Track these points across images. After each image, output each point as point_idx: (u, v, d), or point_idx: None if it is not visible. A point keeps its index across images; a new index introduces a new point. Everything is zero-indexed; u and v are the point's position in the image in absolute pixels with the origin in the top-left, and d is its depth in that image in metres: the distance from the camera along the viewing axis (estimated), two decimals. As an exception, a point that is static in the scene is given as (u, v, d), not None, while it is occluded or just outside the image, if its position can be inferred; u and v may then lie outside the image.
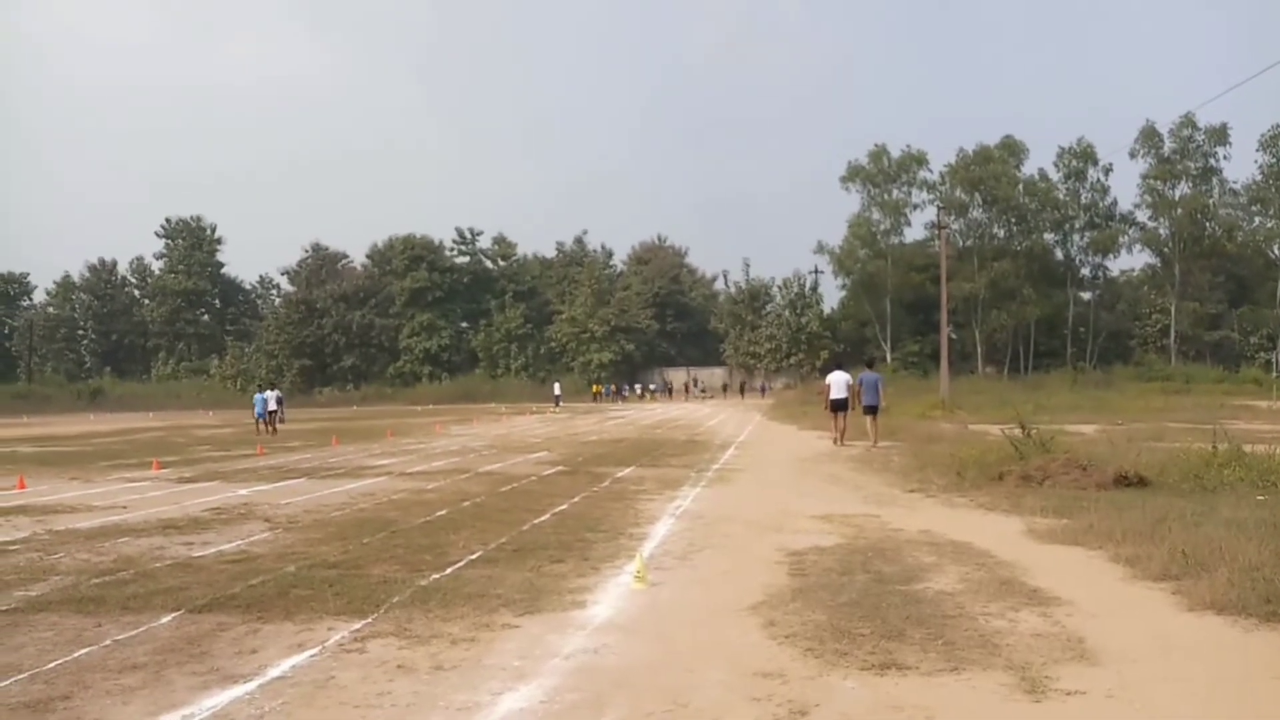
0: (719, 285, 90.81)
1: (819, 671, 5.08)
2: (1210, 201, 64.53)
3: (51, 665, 5.42)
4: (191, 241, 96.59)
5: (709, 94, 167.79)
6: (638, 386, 77.00)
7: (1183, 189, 64.69)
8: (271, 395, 33.12)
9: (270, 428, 32.06)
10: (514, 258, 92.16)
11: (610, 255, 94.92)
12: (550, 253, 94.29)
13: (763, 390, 71.07)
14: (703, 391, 75.36)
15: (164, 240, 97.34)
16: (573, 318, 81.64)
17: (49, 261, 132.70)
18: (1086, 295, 71.44)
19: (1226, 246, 65.04)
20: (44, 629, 6.22)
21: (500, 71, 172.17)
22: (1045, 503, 10.81)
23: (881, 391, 22.00)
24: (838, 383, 22.06)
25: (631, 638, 5.86)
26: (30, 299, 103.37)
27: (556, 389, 62.34)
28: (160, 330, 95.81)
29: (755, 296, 79.50)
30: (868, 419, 21.27)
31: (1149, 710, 4.50)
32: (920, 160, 68.71)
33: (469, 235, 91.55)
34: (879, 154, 69.22)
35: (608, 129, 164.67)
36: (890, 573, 7.48)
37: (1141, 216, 67.29)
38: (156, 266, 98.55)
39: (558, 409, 54.09)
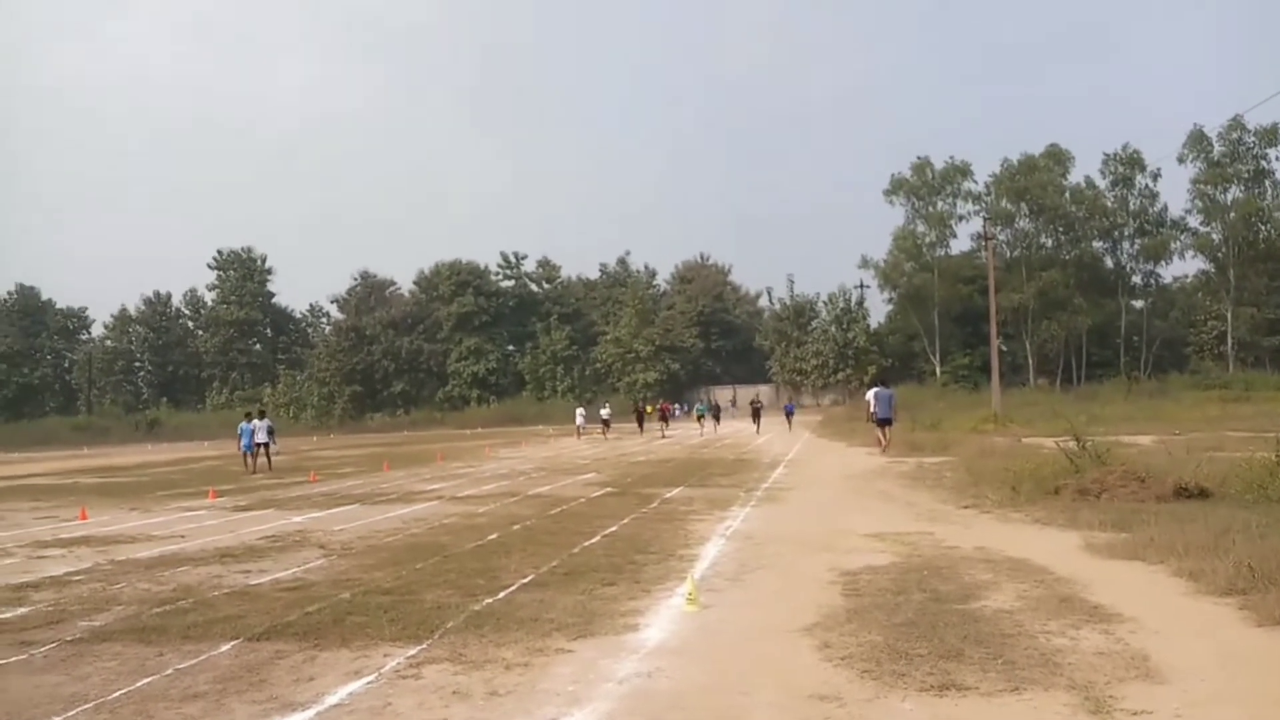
0: (763, 302, 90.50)
1: (876, 693, 5.02)
2: (1264, 204, 63.17)
3: (116, 695, 5.53)
4: (243, 272, 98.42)
5: (749, 110, 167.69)
6: (677, 407, 64.29)
7: (1234, 193, 63.43)
8: (261, 425, 27.93)
9: (253, 462, 27.12)
10: (558, 280, 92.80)
11: (653, 275, 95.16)
12: (594, 274, 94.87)
13: (755, 414, 45.49)
14: (704, 412, 49.01)
15: (216, 272, 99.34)
16: (617, 338, 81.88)
17: (106, 296, 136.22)
18: (1139, 303, 70.10)
19: (1282, 249, 63.62)
20: (108, 659, 6.35)
21: (543, 95, 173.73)
22: (1103, 516, 10.60)
23: (894, 405, 25.67)
24: (876, 397, 25.32)
25: (684, 660, 5.83)
26: (89, 333, 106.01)
27: (604, 412, 49.65)
28: (214, 360, 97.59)
29: (800, 313, 79.12)
30: (883, 428, 24.51)
31: (1219, 730, 4.38)
32: (964, 171, 68.08)
33: (514, 259, 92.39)
34: (922, 166, 68.72)
35: (648, 149, 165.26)
36: (946, 591, 7.38)
37: (1193, 222, 66.05)
38: (209, 298, 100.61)
39: (607, 432, 46.15)
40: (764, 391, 71.69)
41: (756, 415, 44.91)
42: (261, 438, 27.51)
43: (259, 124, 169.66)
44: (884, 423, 24.55)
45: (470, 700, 5.19)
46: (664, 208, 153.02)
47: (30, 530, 14.60)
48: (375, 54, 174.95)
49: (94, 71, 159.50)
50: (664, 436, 41.54)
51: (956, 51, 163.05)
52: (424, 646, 6.29)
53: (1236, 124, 61.36)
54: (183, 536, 12.89)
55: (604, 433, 45.37)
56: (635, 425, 47.91)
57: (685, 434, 42.98)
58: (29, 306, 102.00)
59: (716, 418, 46.99)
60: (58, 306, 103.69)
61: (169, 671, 5.95)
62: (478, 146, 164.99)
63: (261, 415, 29.37)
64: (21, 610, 8.12)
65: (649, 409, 53.39)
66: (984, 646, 5.73)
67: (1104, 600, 6.87)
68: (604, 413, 48.17)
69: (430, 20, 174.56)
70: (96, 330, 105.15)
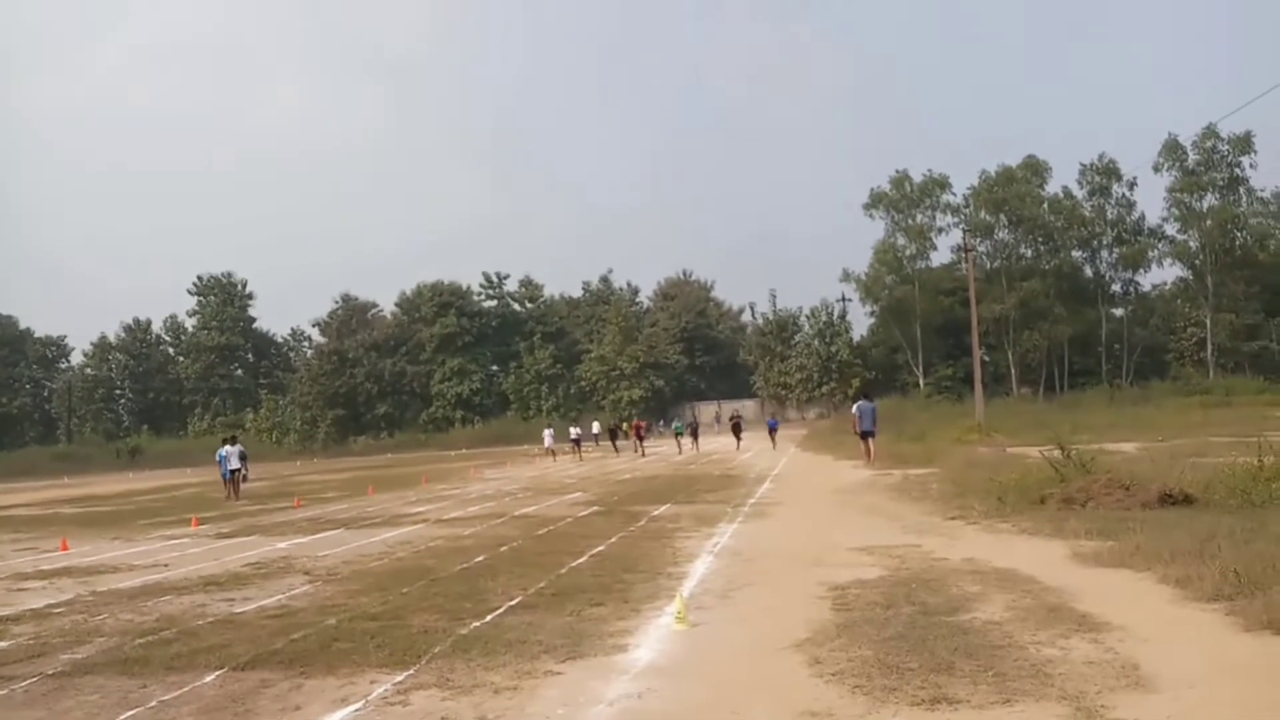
0: (746, 317, 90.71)
1: (868, 709, 5.00)
2: (1239, 211, 63.87)
3: (98, 729, 5.45)
4: (223, 297, 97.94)
5: (730, 128, 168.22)
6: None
7: (1210, 200, 64.08)
8: (233, 451, 26.81)
9: (232, 489, 26.43)
10: (541, 299, 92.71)
11: (636, 292, 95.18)
12: (577, 292, 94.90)
13: (736, 430, 43.29)
14: (683, 430, 44.40)
15: (196, 297, 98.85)
16: (601, 356, 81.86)
17: (85, 324, 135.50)
18: (1119, 311, 70.61)
19: (1259, 256, 64.20)
20: (90, 692, 6.26)
21: (523, 113, 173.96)
22: (1089, 525, 10.63)
23: (876, 417, 25.64)
24: (859, 411, 25.80)
25: (675, 680, 5.80)
26: (68, 361, 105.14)
27: (574, 431, 45.13)
28: (195, 386, 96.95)
29: (783, 327, 79.34)
30: (866, 441, 24.80)
31: (1211, 738, 4.38)
32: (943, 184, 68.52)
33: (496, 279, 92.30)
34: (901, 180, 69.13)
35: (629, 167, 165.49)
36: (935, 604, 7.38)
37: (1170, 230, 66.65)
38: (190, 324, 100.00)
39: (579, 454, 42.37)
40: (749, 407, 71.49)
41: (737, 431, 42.99)
42: (234, 464, 26.57)
43: (239, 149, 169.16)
44: (865, 435, 24.94)
45: (459, 726, 5.15)
46: (645, 225, 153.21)
47: (10, 562, 14.42)
48: (360, 81, 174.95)
49: (72, 97, 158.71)
50: (642, 456, 39.64)
51: (936, 65, 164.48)
52: (411, 672, 6.23)
53: (1210, 132, 62.09)
54: (166, 565, 12.76)
55: (575, 454, 41.85)
56: (611, 445, 46.09)
57: (665, 452, 42.21)
58: (7, 335, 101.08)
59: (695, 435, 43.13)
60: (36, 335, 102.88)
61: (152, 704, 5.87)
62: (460, 169, 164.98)
63: (233, 441, 28.03)
64: (1, 644, 8.00)
65: (624, 426, 50.22)
66: (974, 659, 5.73)
67: (1092, 609, 6.88)
68: (574, 432, 44.28)
69: (418, 49, 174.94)
70: (76, 358, 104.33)
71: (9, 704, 6.13)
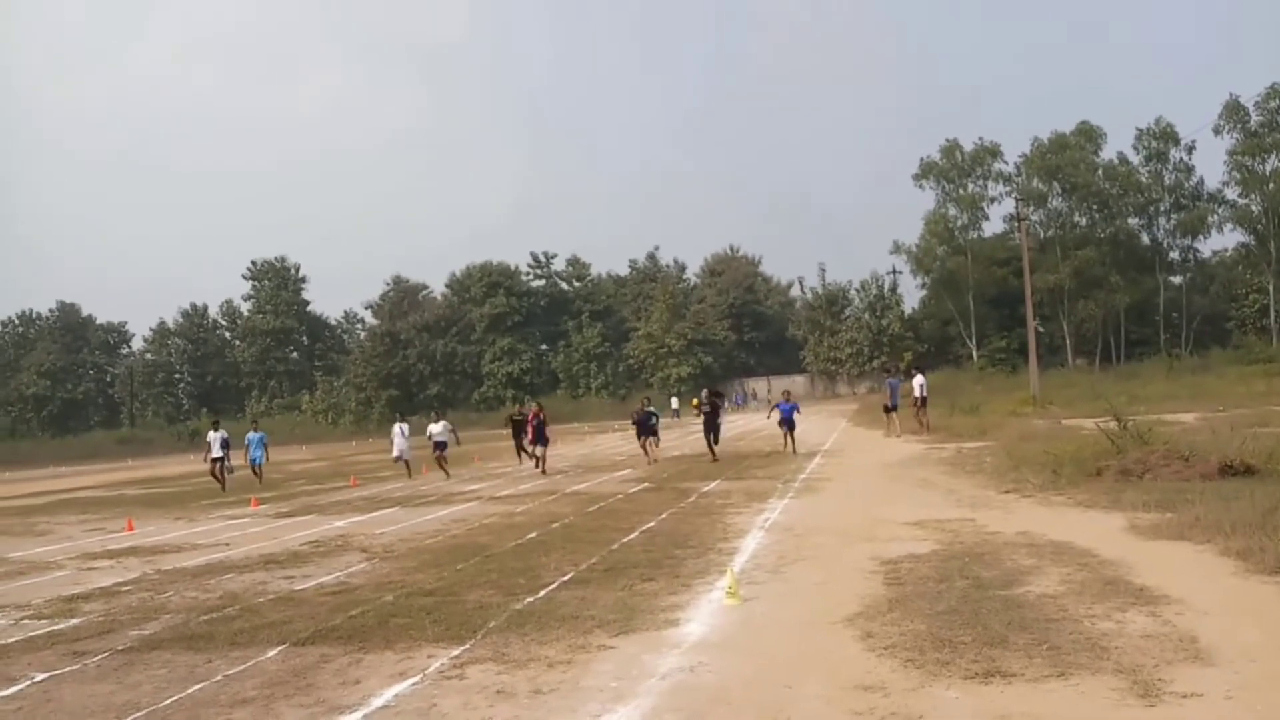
0: (795, 292, 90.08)
1: (921, 682, 4.99)
2: (1305, 173, 61.90)
3: (167, 702, 5.62)
4: (277, 282, 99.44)
5: (772, 100, 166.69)
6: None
7: (1274, 162, 62.12)
8: (216, 437, 24.54)
9: (220, 478, 24.38)
10: (589, 278, 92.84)
11: (683, 269, 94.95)
12: (624, 270, 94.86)
13: (708, 422, 24.21)
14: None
15: (251, 282, 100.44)
16: (649, 334, 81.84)
17: (145, 310, 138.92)
18: (1177, 279, 69.00)
19: (1325, 219, 62.28)
20: (158, 666, 6.45)
21: (565, 94, 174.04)
22: (1147, 497, 10.48)
23: (899, 394, 28.02)
24: (889, 387, 28.83)
25: (727, 654, 5.83)
26: (129, 347, 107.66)
27: (436, 429, 26.25)
28: (252, 369, 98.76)
29: (833, 301, 78.69)
30: (889, 415, 27.22)
31: (1272, 711, 4.31)
32: (994, 152, 67.32)
33: (544, 258, 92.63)
34: (951, 149, 68.04)
35: (672, 143, 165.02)
36: (989, 577, 7.32)
37: (1231, 194, 64.82)
38: (245, 308, 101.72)
39: (443, 462, 25.05)
40: (798, 382, 70.38)
41: (710, 424, 24.11)
42: (216, 452, 24.42)
43: (290, 137, 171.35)
44: (889, 410, 27.34)
45: (514, 699, 5.23)
46: (692, 202, 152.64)
47: (79, 543, 14.86)
48: (398, 73, 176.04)
49: (126, 91, 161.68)
50: (539, 468, 22.86)
51: (985, 32, 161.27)
52: (467, 647, 6.34)
53: (1275, 92, 60.12)
54: (227, 544, 13.06)
55: (441, 463, 24.84)
56: (516, 448, 27.30)
57: (590, 462, 27.76)
58: (70, 323, 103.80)
59: (654, 431, 23.97)
60: (98, 322, 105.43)
61: (218, 678, 6.04)
62: (502, 153, 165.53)
63: (216, 426, 25.65)
64: (73, 621, 8.27)
65: (695, 402, 32.02)
66: (1028, 632, 5.68)
67: (1150, 582, 6.79)
68: (436, 430, 26.06)
69: (456, 35, 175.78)
70: (136, 344, 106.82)
71: (82, 678, 6.34)
